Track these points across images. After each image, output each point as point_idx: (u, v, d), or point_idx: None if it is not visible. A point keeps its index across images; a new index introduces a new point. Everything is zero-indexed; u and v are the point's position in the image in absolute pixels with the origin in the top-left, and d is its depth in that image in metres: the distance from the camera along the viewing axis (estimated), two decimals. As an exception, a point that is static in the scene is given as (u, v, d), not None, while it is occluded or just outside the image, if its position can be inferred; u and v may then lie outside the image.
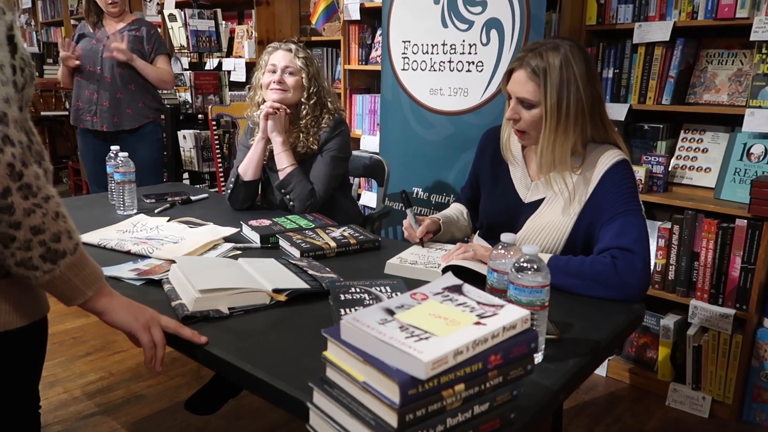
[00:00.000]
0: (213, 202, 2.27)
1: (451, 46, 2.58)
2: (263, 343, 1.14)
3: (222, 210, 2.11)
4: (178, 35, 3.83)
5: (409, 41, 2.72)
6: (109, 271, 1.43)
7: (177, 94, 3.89)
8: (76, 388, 2.43)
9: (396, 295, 1.28)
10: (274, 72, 2.04)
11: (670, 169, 2.47)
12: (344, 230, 1.78)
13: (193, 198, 2.26)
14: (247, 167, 2.07)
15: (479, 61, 2.51)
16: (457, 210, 1.86)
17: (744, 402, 2.29)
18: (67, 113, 5.33)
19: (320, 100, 2.10)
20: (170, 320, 1.13)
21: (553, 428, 1.72)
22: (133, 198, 2.05)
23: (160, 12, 4.21)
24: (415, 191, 2.79)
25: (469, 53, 2.53)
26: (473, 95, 2.54)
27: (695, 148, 2.46)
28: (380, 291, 1.31)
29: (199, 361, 1.15)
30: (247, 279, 1.32)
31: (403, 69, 2.76)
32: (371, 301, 1.25)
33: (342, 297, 1.27)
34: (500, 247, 1.12)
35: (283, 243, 1.69)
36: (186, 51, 3.84)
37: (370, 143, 3.29)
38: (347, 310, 1.21)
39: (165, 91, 3.50)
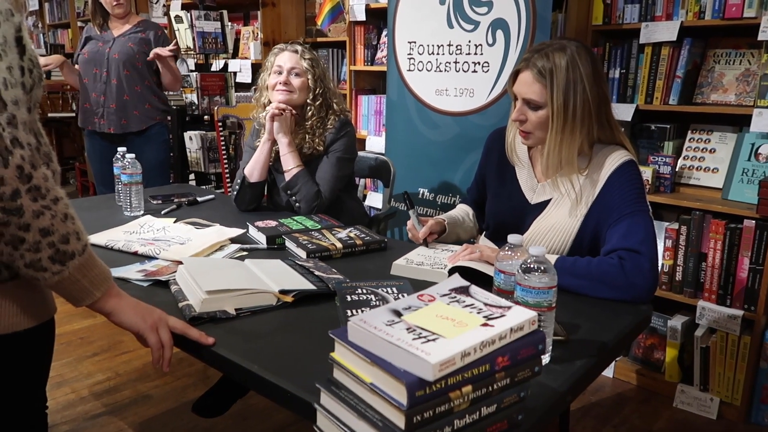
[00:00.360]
0: (219, 203, 2.28)
1: (456, 46, 2.58)
2: (270, 344, 1.14)
3: (228, 211, 2.11)
4: (185, 37, 3.84)
5: (415, 42, 2.72)
6: (117, 272, 1.43)
7: (183, 95, 3.90)
8: (83, 389, 2.44)
9: (402, 296, 1.28)
10: (280, 73, 2.04)
11: (677, 169, 2.46)
12: (350, 231, 1.78)
13: (199, 199, 2.26)
14: (253, 168, 2.08)
15: (485, 62, 2.50)
16: (462, 211, 1.85)
17: (752, 403, 2.28)
18: (73, 114, 5.36)
19: (326, 101, 2.10)
20: (177, 321, 1.13)
21: (560, 429, 1.72)
22: (140, 199, 2.06)
23: (167, 13, 4.22)
24: (421, 192, 2.79)
25: (475, 54, 2.53)
26: (479, 96, 2.54)
27: (703, 149, 2.45)
28: (387, 292, 1.31)
29: (206, 361, 1.15)
30: (253, 280, 1.33)
31: (409, 70, 2.76)
32: (378, 302, 1.25)
33: (348, 298, 1.27)
34: (507, 248, 1.12)
35: (289, 244, 1.70)
36: (192, 52, 3.85)
37: (375, 144, 3.29)
38: (354, 311, 1.21)
39: (171, 93, 3.51)
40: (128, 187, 2.03)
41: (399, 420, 0.73)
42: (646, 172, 2.39)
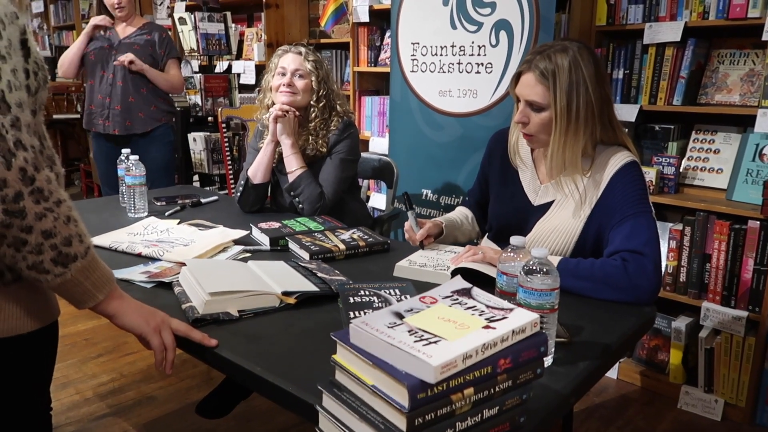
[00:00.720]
0: (223, 204, 2.28)
1: (460, 47, 2.57)
2: (273, 345, 1.14)
3: (232, 212, 2.12)
4: (188, 38, 3.85)
5: (418, 43, 2.72)
6: (120, 273, 1.44)
7: (187, 96, 3.91)
8: (87, 390, 2.44)
9: (405, 297, 1.28)
10: (283, 75, 2.04)
11: (681, 170, 2.45)
12: (353, 233, 1.78)
13: (203, 200, 2.27)
14: (256, 170, 2.08)
15: (488, 63, 2.50)
16: (461, 214, 1.85)
17: (757, 405, 2.27)
18: (78, 116, 5.38)
19: (329, 102, 2.10)
20: (180, 323, 1.13)
21: (564, 431, 1.72)
22: (144, 201, 2.07)
23: (170, 15, 4.23)
24: (424, 193, 2.79)
25: (478, 55, 2.52)
26: (482, 97, 2.54)
27: (707, 149, 2.44)
28: (389, 294, 1.31)
29: (209, 363, 1.16)
30: (256, 282, 1.33)
31: (412, 71, 2.76)
32: (380, 304, 1.25)
33: (351, 300, 1.27)
34: (510, 249, 1.12)
35: (292, 245, 1.70)
36: (196, 54, 3.86)
37: (379, 145, 3.29)
38: (356, 312, 1.21)
39: (175, 94, 3.52)
40: (132, 189, 2.03)
41: (401, 422, 0.73)
42: (650, 173, 2.39)
